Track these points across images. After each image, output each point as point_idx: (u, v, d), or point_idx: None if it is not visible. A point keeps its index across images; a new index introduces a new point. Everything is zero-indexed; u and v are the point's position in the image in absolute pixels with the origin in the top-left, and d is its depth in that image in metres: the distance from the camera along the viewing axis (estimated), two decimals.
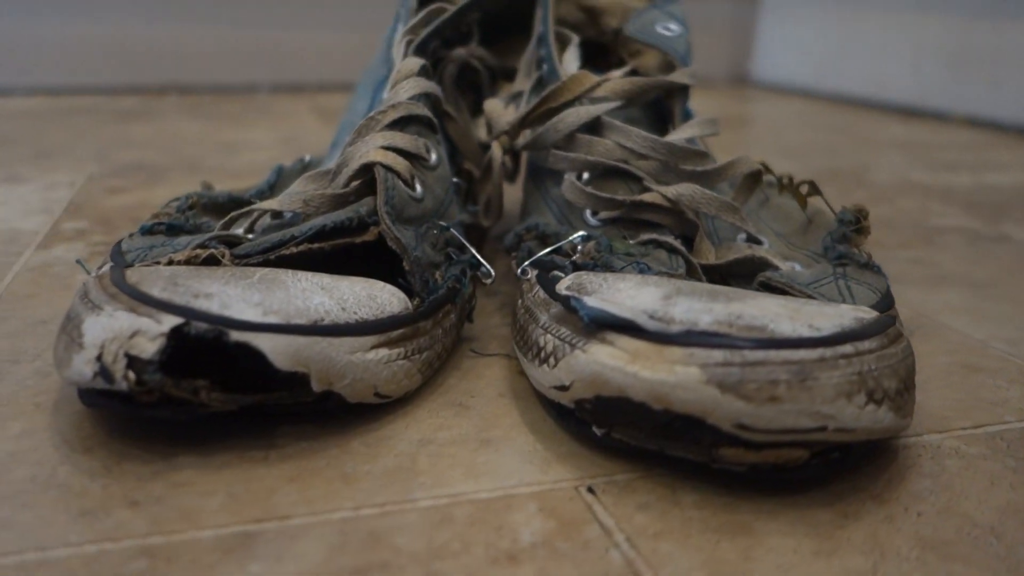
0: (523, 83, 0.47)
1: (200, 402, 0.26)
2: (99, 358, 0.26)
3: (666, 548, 0.23)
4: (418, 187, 0.36)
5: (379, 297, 0.30)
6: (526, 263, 0.35)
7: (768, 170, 0.45)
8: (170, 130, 0.88)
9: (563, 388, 0.27)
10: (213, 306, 0.26)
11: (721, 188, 0.43)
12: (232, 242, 0.34)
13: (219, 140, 0.83)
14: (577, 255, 0.35)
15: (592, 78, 0.41)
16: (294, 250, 0.32)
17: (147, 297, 0.26)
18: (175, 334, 0.26)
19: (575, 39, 0.46)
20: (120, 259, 0.32)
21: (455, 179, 0.41)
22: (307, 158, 0.49)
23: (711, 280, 0.35)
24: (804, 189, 0.40)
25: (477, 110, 0.50)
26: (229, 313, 0.26)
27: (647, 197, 0.37)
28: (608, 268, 0.33)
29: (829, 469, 0.25)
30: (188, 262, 0.31)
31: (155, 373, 0.25)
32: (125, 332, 0.26)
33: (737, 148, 0.84)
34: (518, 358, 0.31)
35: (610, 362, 0.25)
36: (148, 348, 0.25)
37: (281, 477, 0.26)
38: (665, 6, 0.47)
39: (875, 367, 0.25)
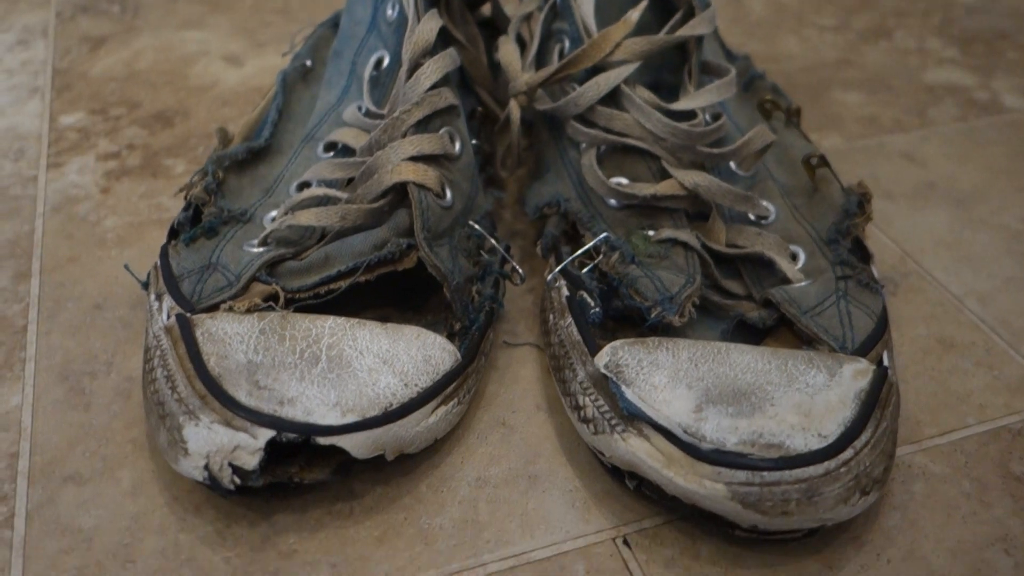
0: (530, 3, 0.45)
1: (294, 482, 0.31)
2: (206, 467, 0.29)
3: None
4: (448, 193, 0.37)
5: (433, 358, 0.33)
6: (555, 271, 0.37)
7: (776, 104, 0.45)
8: None
9: (601, 453, 0.32)
10: (298, 414, 0.30)
11: (731, 135, 0.44)
12: (279, 260, 0.36)
13: None
14: (601, 259, 0.37)
15: (611, 39, 0.40)
16: (342, 285, 0.35)
17: (238, 406, 0.30)
18: (270, 445, 0.29)
19: None
20: (180, 297, 0.34)
21: (474, 141, 0.42)
22: (308, 63, 0.49)
23: (722, 265, 0.38)
24: (814, 161, 0.41)
25: (481, 23, 0.49)
26: (313, 419, 0.30)
27: (665, 189, 0.38)
28: (631, 285, 0.35)
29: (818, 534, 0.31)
30: (248, 311, 0.34)
31: (258, 479, 0.30)
32: (227, 447, 0.29)
33: None
34: (556, 387, 0.35)
35: (648, 460, 0.30)
36: (250, 461, 0.29)
37: (369, 539, 0.31)
38: None
39: (868, 463, 0.29)
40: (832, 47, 0.63)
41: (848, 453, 0.29)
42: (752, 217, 0.40)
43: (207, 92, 0.56)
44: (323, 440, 0.29)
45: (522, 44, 0.49)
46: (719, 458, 0.29)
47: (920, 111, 0.56)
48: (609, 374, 0.31)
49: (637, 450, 0.30)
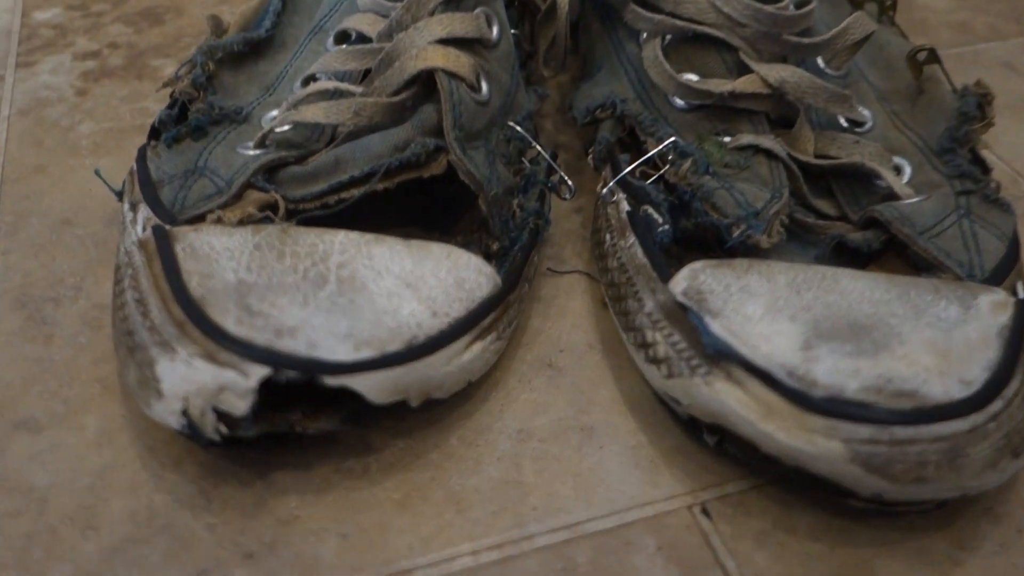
0: None
1: (295, 432, 0.25)
2: (185, 412, 0.23)
3: None
4: (484, 86, 0.31)
5: (467, 282, 0.26)
6: (612, 183, 0.31)
7: None
8: None
9: (676, 402, 0.26)
10: (300, 347, 0.24)
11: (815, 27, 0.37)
12: (279, 165, 0.30)
13: None
14: (668, 169, 0.31)
15: None
16: (355, 193, 0.28)
17: (224, 335, 0.23)
18: (265, 385, 0.23)
19: None
20: (158, 206, 0.28)
21: (513, 31, 0.35)
22: None
23: (810, 181, 0.31)
24: (921, 56, 0.35)
25: None
26: (319, 354, 0.24)
27: (745, 85, 0.32)
28: (707, 199, 0.29)
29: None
30: (241, 222, 0.27)
31: (249, 428, 0.24)
32: (210, 387, 0.23)
33: None
34: (614, 321, 0.29)
35: (739, 409, 0.23)
36: (239, 405, 0.23)
37: (388, 503, 0.25)
38: None
39: (1020, 417, 0.23)
40: None
41: (997, 404, 0.23)
42: (844, 124, 0.34)
43: None
44: (331, 380, 0.23)
45: None
46: (836, 409, 0.22)
47: (1019, 17, 0.49)
48: (689, 303, 0.25)
49: (726, 397, 0.24)
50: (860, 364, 0.23)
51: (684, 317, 0.25)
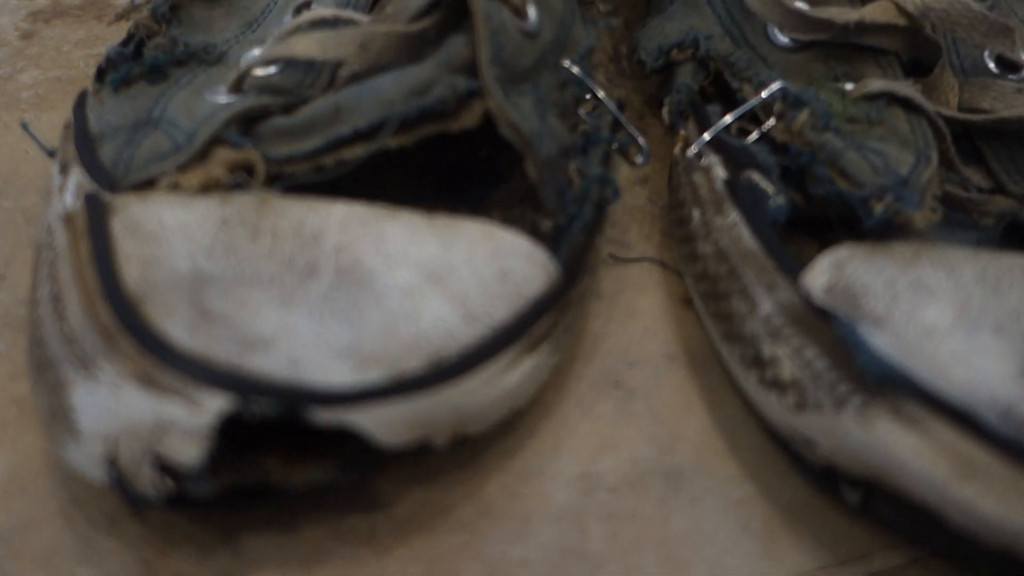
0: None
1: (272, 486, 0.18)
2: (110, 460, 0.16)
3: None
4: (531, 12, 0.23)
5: (514, 273, 0.19)
6: (704, 140, 0.23)
7: None
8: None
9: (808, 444, 0.18)
10: (277, 364, 0.16)
11: None
12: (260, 115, 0.22)
13: None
14: (776, 124, 0.23)
15: None
16: (359, 152, 0.21)
17: (167, 349, 0.16)
18: (226, 422, 0.16)
19: None
20: (95, 167, 0.21)
21: None
22: None
23: (956, 141, 0.24)
24: None
25: None
26: (305, 376, 0.16)
27: (876, 13, 0.24)
28: (833, 162, 0.22)
29: None
30: (205, 189, 0.20)
31: (204, 483, 0.16)
32: (146, 425, 0.16)
33: None
34: (708, 326, 0.22)
35: (916, 463, 0.16)
36: (188, 452, 0.16)
37: None
38: None
39: None
40: None
41: None
42: (995, 69, 0.26)
43: None
44: (323, 414, 0.16)
45: None
46: None
47: None
48: (835, 306, 0.18)
49: (894, 445, 0.16)
50: None
51: (825, 326, 0.18)
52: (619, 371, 0.22)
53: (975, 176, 0.24)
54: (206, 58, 0.25)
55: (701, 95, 0.26)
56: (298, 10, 0.26)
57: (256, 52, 0.25)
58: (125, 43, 0.26)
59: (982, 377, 0.16)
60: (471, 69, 0.22)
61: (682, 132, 0.25)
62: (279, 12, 0.27)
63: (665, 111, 0.26)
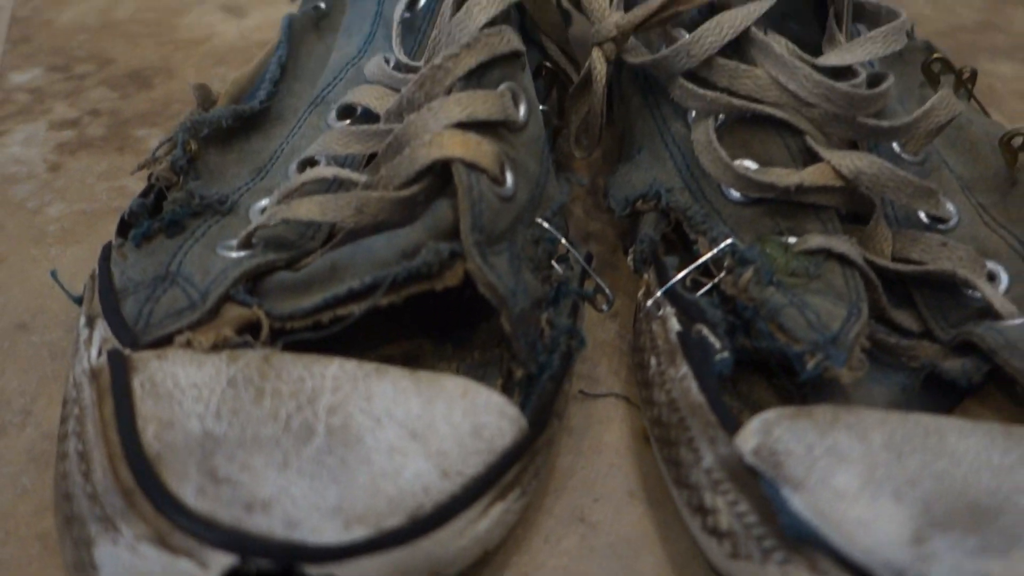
0: None
1: None
2: None
3: None
4: (508, 177, 0.26)
5: (487, 428, 0.22)
6: (658, 294, 0.26)
7: (948, 65, 0.34)
8: None
9: None
10: (275, 525, 0.19)
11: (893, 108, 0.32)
12: (264, 271, 0.25)
13: None
14: (725, 277, 0.26)
15: None
16: (355, 311, 0.24)
17: (181, 511, 0.19)
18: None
19: None
20: (119, 323, 0.24)
21: (541, 107, 0.31)
22: (323, 5, 0.37)
23: (888, 285, 0.27)
24: (1018, 142, 0.30)
25: None
26: (300, 536, 0.19)
27: (814, 177, 0.27)
28: (772, 318, 0.24)
29: None
30: (215, 347, 0.23)
31: None
32: None
33: None
34: (661, 469, 0.24)
35: None
36: None
37: None
38: None
39: None
40: (968, 7, 0.51)
41: None
42: (925, 219, 0.29)
43: (198, 47, 0.45)
44: (314, 571, 0.19)
45: None
46: None
47: None
48: (761, 467, 0.20)
49: None
50: (990, 567, 0.18)
51: (755, 484, 0.20)
52: (584, 506, 0.25)
53: (907, 320, 0.27)
54: (220, 208, 0.28)
55: (664, 240, 0.29)
56: (302, 165, 0.29)
57: (264, 203, 0.28)
58: (145, 193, 0.29)
59: (881, 541, 0.18)
60: (454, 232, 0.25)
61: (646, 277, 0.28)
62: (285, 160, 0.30)
63: (630, 259, 0.29)
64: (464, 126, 0.26)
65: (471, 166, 0.25)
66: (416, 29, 0.32)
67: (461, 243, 0.24)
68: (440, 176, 0.26)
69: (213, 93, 0.33)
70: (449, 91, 0.26)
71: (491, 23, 0.27)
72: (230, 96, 0.33)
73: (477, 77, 0.27)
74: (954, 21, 0.49)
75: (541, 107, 0.31)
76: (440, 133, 0.25)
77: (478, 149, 0.25)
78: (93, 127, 0.38)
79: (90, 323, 0.24)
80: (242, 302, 0.24)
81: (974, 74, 0.34)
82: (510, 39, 0.27)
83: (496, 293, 0.24)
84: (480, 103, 0.26)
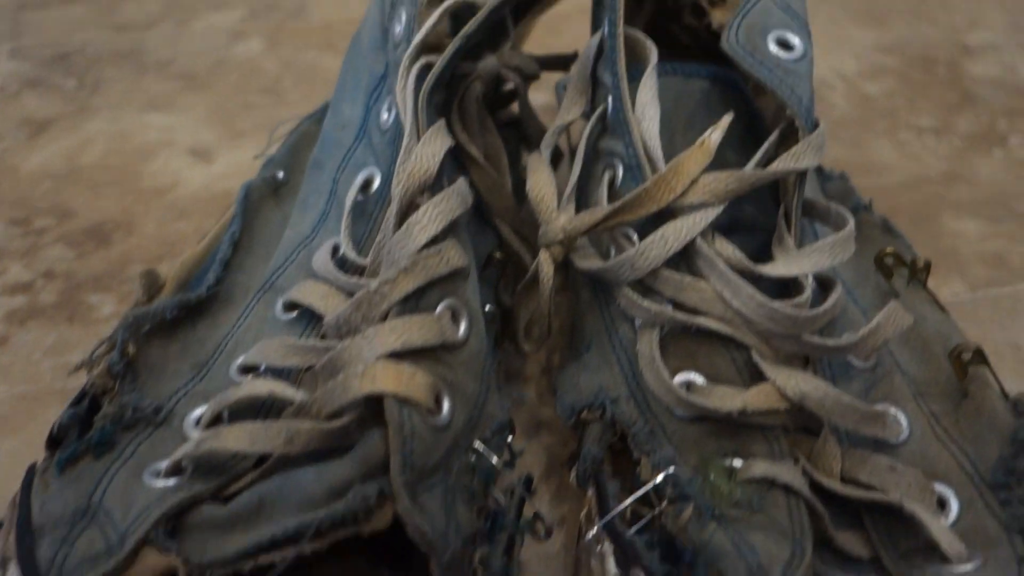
0: (572, 110, 0.34)
1: None
2: None
3: None
4: (444, 405, 0.26)
5: None
6: (597, 527, 0.26)
7: (900, 259, 0.34)
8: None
9: None
10: None
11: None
12: (187, 506, 0.24)
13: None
14: (665, 508, 0.25)
15: (684, 173, 0.28)
16: (276, 560, 0.23)
17: None
18: None
19: (653, 54, 0.32)
20: (31, 570, 0.23)
21: (488, 307, 0.30)
22: (280, 175, 0.37)
23: (834, 507, 0.26)
24: (967, 356, 0.29)
25: (507, 123, 0.38)
26: None
27: (758, 400, 0.27)
28: (713, 562, 0.24)
29: None
30: None
31: None
32: None
33: None
34: None
35: None
36: None
37: None
38: None
39: None
40: (934, 155, 0.51)
41: None
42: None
43: (162, 197, 0.45)
44: None
45: (557, 159, 0.38)
46: None
47: None
48: None
49: None
50: None
51: None
52: None
53: (855, 545, 0.26)
54: (154, 419, 0.27)
55: (611, 455, 0.28)
56: (244, 369, 0.29)
57: (199, 411, 0.28)
58: (78, 401, 0.28)
59: None
60: (383, 468, 0.24)
61: (588, 496, 0.27)
62: (228, 356, 0.30)
63: (573, 475, 0.28)
64: (399, 355, 0.25)
65: (404, 401, 0.24)
66: (367, 215, 0.32)
67: (390, 482, 0.23)
68: (372, 406, 0.25)
69: (160, 279, 0.32)
70: (385, 316, 0.26)
71: (432, 241, 0.27)
72: (178, 280, 0.33)
73: (414, 300, 0.26)
74: (919, 171, 0.49)
75: (488, 307, 0.31)
76: (373, 365, 0.25)
77: (411, 382, 0.25)
78: (46, 292, 0.38)
79: (3, 565, 0.23)
80: (162, 546, 0.23)
81: (927, 266, 0.33)
82: (450, 258, 0.27)
83: (425, 539, 0.23)
84: (416, 330, 0.26)
